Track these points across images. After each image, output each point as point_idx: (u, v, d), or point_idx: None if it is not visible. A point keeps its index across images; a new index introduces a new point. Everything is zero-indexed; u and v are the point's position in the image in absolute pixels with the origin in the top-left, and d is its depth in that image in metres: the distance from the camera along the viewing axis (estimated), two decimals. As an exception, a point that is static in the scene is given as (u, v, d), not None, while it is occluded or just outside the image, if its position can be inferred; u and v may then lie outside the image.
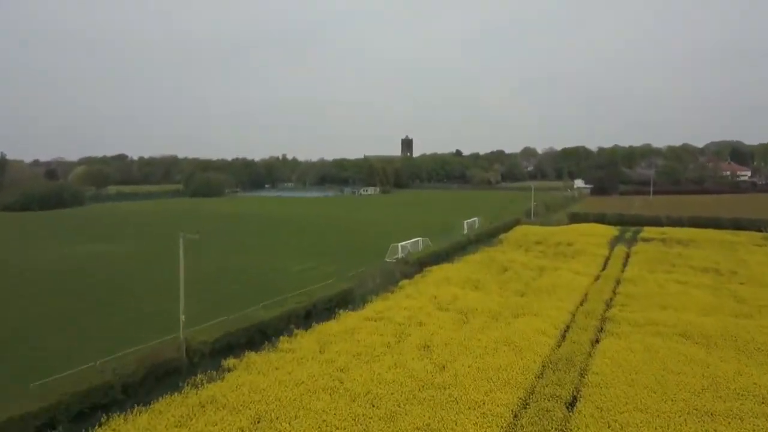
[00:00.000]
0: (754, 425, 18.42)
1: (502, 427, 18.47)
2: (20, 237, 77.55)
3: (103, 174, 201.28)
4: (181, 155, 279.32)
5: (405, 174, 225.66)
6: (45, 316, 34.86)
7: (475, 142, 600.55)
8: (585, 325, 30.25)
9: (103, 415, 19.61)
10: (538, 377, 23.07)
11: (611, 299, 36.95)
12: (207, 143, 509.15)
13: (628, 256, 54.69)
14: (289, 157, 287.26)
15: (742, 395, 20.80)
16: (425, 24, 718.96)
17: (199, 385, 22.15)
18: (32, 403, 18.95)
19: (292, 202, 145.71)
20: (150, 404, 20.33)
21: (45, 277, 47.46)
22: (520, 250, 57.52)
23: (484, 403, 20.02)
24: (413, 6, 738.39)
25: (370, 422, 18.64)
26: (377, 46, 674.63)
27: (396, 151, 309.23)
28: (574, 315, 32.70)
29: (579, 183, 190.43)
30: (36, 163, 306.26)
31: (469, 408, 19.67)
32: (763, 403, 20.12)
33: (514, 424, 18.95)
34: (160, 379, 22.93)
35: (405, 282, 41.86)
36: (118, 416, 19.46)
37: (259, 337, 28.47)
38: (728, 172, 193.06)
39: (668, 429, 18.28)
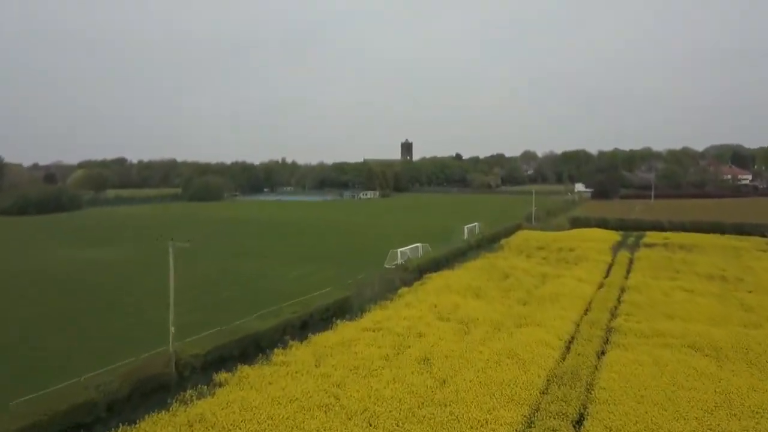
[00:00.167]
0: (772, 447, 17.48)
1: (506, 448, 17.52)
2: (14, 241, 76.56)
3: (102, 178, 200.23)
4: (180, 158, 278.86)
5: (405, 178, 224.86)
6: (33, 325, 33.87)
7: (475, 146, 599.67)
8: (590, 335, 29.31)
9: (86, 434, 18.66)
10: (543, 393, 22.10)
11: (616, 308, 36.02)
12: (207, 147, 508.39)
13: (631, 262, 53.78)
14: (289, 160, 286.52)
15: (757, 413, 19.83)
16: (425, 26, 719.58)
17: (189, 402, 21.18)
18: (11, 422, 17.98)
19: (291, 206, 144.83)
20: (135, 423, 19.34)
21: (37, 283, 46.49)
22: (522, 256, 56.58)
23: (487, 422, 19.07)
24: (413, 8, 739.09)
25: (366, 443, 17.68)
26: (377, 48, 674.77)
27: (396, 154, 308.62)
28: (578, 325, 31.77)
29: (579, 187, 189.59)
30: (35, 166, 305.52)
31: (471, 428, 18.71)
32: (780, 422, 19.17)
33: (519, 445, 18.00)
34: (147, 396, 21.94)
35: (404, 290, 40.91)
36: (102, 436, 18.52)
37: (253, 348, 27.49)
38: (729, 176, 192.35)
39: (682, 451, 17.33)
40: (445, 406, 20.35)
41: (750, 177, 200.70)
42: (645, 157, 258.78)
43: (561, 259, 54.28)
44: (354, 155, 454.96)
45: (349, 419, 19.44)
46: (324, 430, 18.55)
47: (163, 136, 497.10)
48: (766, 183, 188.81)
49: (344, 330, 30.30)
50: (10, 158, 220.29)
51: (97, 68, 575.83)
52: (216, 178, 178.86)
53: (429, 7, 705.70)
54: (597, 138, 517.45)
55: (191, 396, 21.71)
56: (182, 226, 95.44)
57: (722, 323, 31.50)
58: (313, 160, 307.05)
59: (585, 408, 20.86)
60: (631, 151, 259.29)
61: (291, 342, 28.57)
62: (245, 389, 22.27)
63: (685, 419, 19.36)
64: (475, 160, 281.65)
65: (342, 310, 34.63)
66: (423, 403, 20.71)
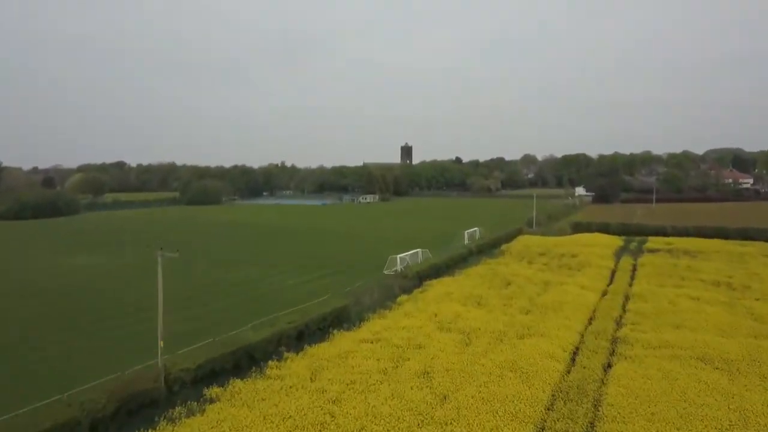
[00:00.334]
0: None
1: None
2: (4, 247, 75.45)
3: (100, 182, 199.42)
4: (180, 162, 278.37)
5: (404, 181, 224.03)
6: (17, 337, 32.85)
7: (474, 149, 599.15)
8: (595, 347, 28.35)
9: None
10: (549, 409, 21.12)
11: (621, 317, 35.05)
12: (207, 150, 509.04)
13: (634, 268, 52.81)
14: (289, 164, 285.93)
15: (775, 432, 18.85)
16: (425, 31, 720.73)
17: (177, 420, 20.21)
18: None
19: (290, 210, 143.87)
20: (120, 443, 18.39)
21: (24, 292, 45.43)
22: (523, 262, 55.59)
23: (490, 443, 18.09)
24: (413, 14, 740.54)
25: (363, 467, 16.69)
26: (377, 52, 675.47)
27: (396, 158, 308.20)
28: (582, 335, 30.78)
29: (580, 191, 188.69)
30: (35, 170, 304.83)
31: (474, 449, 17.72)
32: (799, 442, 18.19)
33: (524, 468, 17.00)
34: (134, 413, 20.95)
35: (404, 297, 39.94)
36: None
37: (247, 361, 26.52)
38: (730, 180, 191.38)
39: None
40: (446, 424, 19.38)
41: (751, 181, 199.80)
42: (645, 160, 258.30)
43: (563, 266, 53.29)
44: (354, 159, 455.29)
45: (345, 439, 18.47)
46: (318, 451, 17.58)
47: (163, 139, 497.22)
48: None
49: (341, 341, 29.31)
50: (9, 162, 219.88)
51: (97, 72, 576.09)
52: (214, 182, 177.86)
53: (429, 13, 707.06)
54: (597, 141, 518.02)
55: (180, 413, 20.75)
56: (178, 231, 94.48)
57: (731, 333, 30.52)
58: (313, 164, 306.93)
59: (593, 426, 19.90)
60: (631, 154, 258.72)
61: (286, 354, 27.62)
62: (237, 406, 21.28)
63: (699, 439, 18.38)
64: (475, 164, 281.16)
65: (339, 320, 33.65)
66: (423, 422, 19.74)
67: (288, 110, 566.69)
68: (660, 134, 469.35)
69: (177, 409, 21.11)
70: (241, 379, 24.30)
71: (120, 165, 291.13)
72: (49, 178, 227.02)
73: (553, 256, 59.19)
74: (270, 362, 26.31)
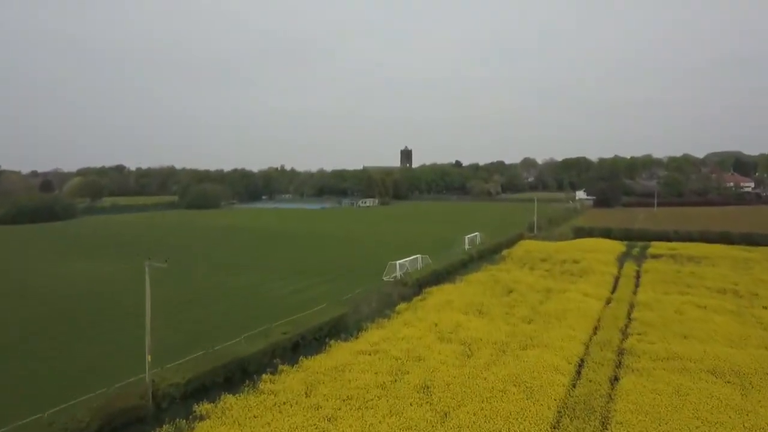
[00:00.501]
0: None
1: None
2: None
3: (98, 185, 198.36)
4: (180, 166, 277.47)
5: (404, 185, 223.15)
6: (6, 346, 31.86)
7: (474, 153, 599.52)
8: (601, 358, 27.38)
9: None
10: (554, 428, 20.18)
11: (626, 326, 34.08)
12: (207, 154, 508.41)
13: (638, 275, 51.85)
14: (288, 167, 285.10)
15: (794, 454, 17.87)
16: (425, 34, 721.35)
17: (164, 440, 19.22)
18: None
19: (289, 214, 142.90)
20: (103, 466, 17.39)
21: (9, 300, 44.40)
22: (525, 268, 54.60)
23: (493, 466, 17.09)
24: (413, 16, 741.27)
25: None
26: (376, 56, 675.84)
27: (395, 161, 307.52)
28: (587, 346, 29.81)
29: (581, 194, 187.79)
30: (34, 174, 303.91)
31: (477, 473, 16.73)
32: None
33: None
34: (119, 432, 19.97)
35: (403, 306, 38.95)
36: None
37: (240, 374, 25.52)
38: (731, 184, 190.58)
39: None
40: (447, 445, 18.39)
41: (752, 184, 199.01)
42: (646, 164, 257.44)
43: (565, 272, 52.30)
44: (353, 162, 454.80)
45: (340, 462, 17.48)
46: (312, 475, 16.58)
47: (163, 143, 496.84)
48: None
49: (338, 352, 28.32)
50: (8, 165, 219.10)
51: (97, 74, 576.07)
52: (213, 186, 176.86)
53: (429, 16, 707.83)
54: (597, 145, 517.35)
55: (168, 432, 19.76)
56: (175, 235, 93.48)
57: (741, 344, 29.55)
58: (313, 167, 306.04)
59: (601, 447, 18.91)
60: (632, 158, 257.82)
61: (281, 366, 26.63)
62: (227, 424, 20.30)
63: (714, 462, 17.39)
64: (474, 167, 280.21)
65: (337, 329, 32.67)
66: (422, 442, 18.75)
67: (288, 113, 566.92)
68: (660, 137, 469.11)
69: (165, 427, 20.14)
70: (233, 394, 23.31)
71: (119, 168, 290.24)
72: (48, 181, 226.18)
73: (555, 262, 58.24)
74: (264, 376, 25.33)
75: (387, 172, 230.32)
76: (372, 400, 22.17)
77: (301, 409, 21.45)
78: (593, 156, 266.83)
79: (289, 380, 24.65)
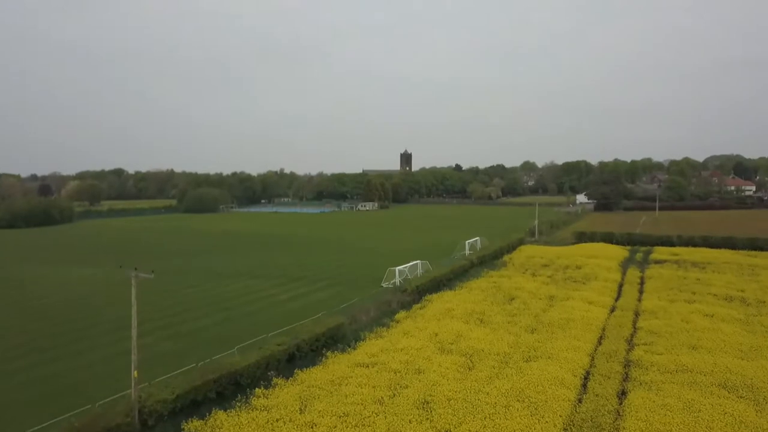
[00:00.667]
0: None
1: None
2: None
3: (96, 189, 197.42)
4: (180, 169, 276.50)
5: (404, 189, 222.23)
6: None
7: (474, 156, 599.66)
8: (607, 371, 26.36)
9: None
10: (561, 448, 19.13)
11: (632, 336, 33.08)
12: (206, 158, 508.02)
13: (642, 281, 50.89)
14: (287, 171, 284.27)
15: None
16: (425, 38, 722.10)
17: (149, 461, 18.20)
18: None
19: (287, 219, 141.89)
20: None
21: (1, 308, 43.38)
22: (527, 274, 53.58)
23: (497, 491, 16.07)
24: (413, 21, 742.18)
25: None
26: (376, 61, 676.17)
27: (395, 165, 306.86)
28: (593, 358, 28.82)
29: (581, 198, 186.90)
30: (33, 177, 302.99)
31: (480, 499, 15.71)
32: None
33: None
34: (101, 453, 18.93)
35: (402, 314, 37.90)
36: None
37: (232, 389, 24.51)
38: (733, 187, 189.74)
39: None
40: (448, 468, 17.37)
41: (754, 188, 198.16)
42: (646, 167, 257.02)
43: (568, 278, 51.30)
44: (353, 166, 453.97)
45: (335, 486, 16.45)
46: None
47: (163, 147, 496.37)
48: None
49: (335, 365, 27.28)
50: (7, 169, 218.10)
51: (97, 78, 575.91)
52: (211, 190, 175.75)
53: (430, 21, 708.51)
54: (597, 148, 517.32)
55: (153, 453, 18.75)
56: (170, 241, 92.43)
57: (752, 356, 28.56)
58: (313, 171, 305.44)
59: (611, 469, 17.89)
60: (632, 161, 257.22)
61: (275, 379, 25.59)
62: (216, 443, 19.28)
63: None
64: (474, 171, 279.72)
65: (334, 340, 31.66)
66: (422, 464, 17.73)
67: (287, 117, 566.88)
68: (660, 141, 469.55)
69: (150, 447, 19.14)
70: (225, 410, 22.29)
71: (118, 172, 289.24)
72: (46, 185, 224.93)
73: (557, 267, 57.26)
74: (257, 390, 24.28)
75: (386, 175, 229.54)
76: (369, 417, 21.15)
77: (295, 426, 20.43)
78: (593, 159, 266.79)
79: (283, 395, 23.62)
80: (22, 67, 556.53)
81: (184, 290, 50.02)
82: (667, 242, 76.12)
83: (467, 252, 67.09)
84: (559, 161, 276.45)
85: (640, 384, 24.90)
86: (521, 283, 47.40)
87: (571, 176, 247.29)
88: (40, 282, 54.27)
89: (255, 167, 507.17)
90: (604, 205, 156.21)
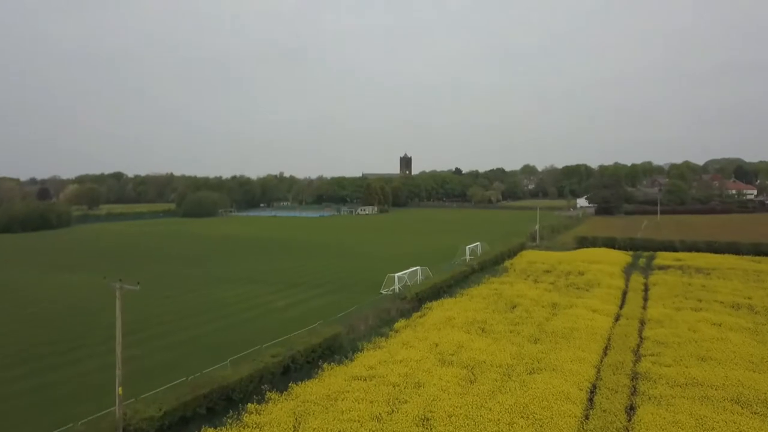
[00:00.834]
0: None
1: None
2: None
3: (95, 193, 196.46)
4: (179, 173, 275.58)
5: (404, 193, 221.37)
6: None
7: (474, 160, 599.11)
8: (614, 384, 25.36)
9: None
10: (569, 469, 18.11)
11: (638, 346, 32.08)
12: (206, 161, 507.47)
13: (646, 288, 49.91)
14: (287, 174, 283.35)
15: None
16: (425, 42, 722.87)
17: (133, 485, 17.19)
18: None
19: (286, 223, 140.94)
20: None
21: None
22: (528, 281, 52.58)
23: None
24: (413, 25, 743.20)
25: None
26: (376, 64, 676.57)
27: (395, 168, 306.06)
28: (599, 370, 27.79)
29: (582, 202, 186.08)
30: (33, 181, 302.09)
31: None
32: None
33: None
34: (82, 476, 17.94)
35: (401, 323, 36.87)
36: None
37: (223, 404, 23.49)
38: (734, 191, 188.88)
39: None
40: (450, 493, 16.35)
41: (755, 192, 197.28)
42: (647, 171, 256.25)
43: (570, 285, 50.30)
44: (353, 169, 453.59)
45: None
46: None
47: (163, 150, 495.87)
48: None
49: (331, 378, 26.27)
50: (7, 172, 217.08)
51: (96, 82, 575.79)
52: (210, 194, 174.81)
53: (430, 24, 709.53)
54: (597, 152, 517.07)
55: (138, 475, 17.73)
56: (166, 246, 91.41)
57: (764, 368, 27.55)
58: (312, 174, 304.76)
59: (622, 493, 16.88)
60: (633, 165, 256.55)
61: (269, 393, 24.56)
62: (205, 465, 18.27)
63: None
64: (474, 175, 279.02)
65: (330, 350, 30.65)
66: (422, 488, 16.71)
67: (287, 120, 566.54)
68: (659, 144, 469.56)
69: (135, 468, 18.13)
70: (215, 427, 21.31)
71: (118, 176, 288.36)
72: (44, 189, 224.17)
73: (559, 273, 56.27)
74: (249, 405, 23.25)
75: (386, 179, 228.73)
76: (366, 435, 20.14)
77: (287, 446, 19.43)
78: (593, 163, 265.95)
79: (276, 411, 22.59)
80: (22, 69, 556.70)
81: (182, 296, 49.11)
82: (670, 247, 75.13)
83: (468, 257, 66.16)
84: (559, 165, 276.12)
85: (649, 398, 23.90)
86: (523, 290, 46.41)
87: (572, 180, 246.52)
88: (34, 287, 53.23)
89: (255, 171, 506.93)
90: (605, 209, 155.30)
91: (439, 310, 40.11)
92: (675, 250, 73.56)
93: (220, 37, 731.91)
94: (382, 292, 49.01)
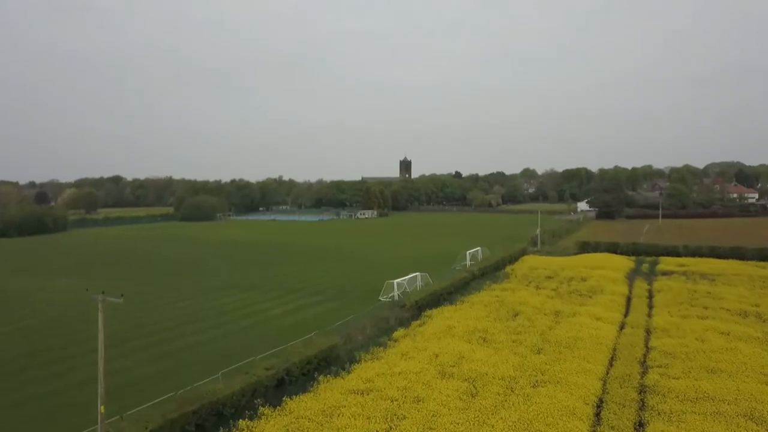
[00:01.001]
0: None
1: None
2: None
3: (93, 197, 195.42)
4: (179, 176, 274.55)
5: (403, 196, 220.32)
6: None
7: (474, 163, 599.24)
8: (622, 398, 24.36)
9: None
10: (577, 494, 17.09)
11: (645, 357, 31.03)
12: (205, 165, 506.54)
13: (650, 294, 48.91)
14: (286, 178, 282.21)
15: None
16: (424, 45, 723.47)
17: None
18: None
19: (285, 227, 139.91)
20: None
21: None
22: (530, 287, 51.55)
23: None
24: (412, 28, 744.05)
25: None
26: (376, 66, 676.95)
27: (395, 172, 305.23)
28: (605, 382, 26.77)
29: (582, 206, 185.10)
30: (32, 185, 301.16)
31: None
32: None
33: None
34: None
35: (401, 332, 35.83)
36: None
37: (214, 420, 22.47)
38: (735, 195, 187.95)
39: None
40: None
41: (756, 196, 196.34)
42: (647, 174, 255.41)
43: (573, 291, 49.27)
44: (352, 173, 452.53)
45: None
46: None
47: (163, 154, 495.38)
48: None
49: (327, 392, 25.22)
50: (6, 176, 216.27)
51: (97, 86, 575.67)
52: (208, 198, 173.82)
53: (429, 28, 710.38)
54: (597, 155, 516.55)
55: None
56: (162, 251, 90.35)
57: (776, 380, 26.50)
58: (312, 178, 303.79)
59: None
60: (633, 169, 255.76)
61: (261, 408, 23.51)
62: (191, 489, 17.23)
63: None
64: (474, 178, 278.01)
65: (327, 362, 29.61)
66: None
67: (287, 124, 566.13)
68: (659, 148, 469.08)
69: (117, 493, 17.09)
70: (204, 446, 20.29)
71: (116, 179, 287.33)
72: (42, 193, 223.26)
73: (561, 280, 55.26)
74: (241, 421, 22.20)
75: (386, 183, 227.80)
76: (363, 455, 19.12)
77: (279, 467, 18.40)
78: (593, 166, 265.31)
79: (269, 428, 21.57)
80: (22, 73, 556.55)
81: (179, 303, 48.19)
82: (673, 252, 74.13)
83: (468, 263, 65.16)
84: (559, 168, 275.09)
85: (659, 414, 22.88)
86: (525, 297, 45.38)
87: (572, 183, 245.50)
88: (26, 294, 52.15)
89: (254, 174, 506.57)
90: (606, 213, 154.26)
91: (439, 318, 39.09)
92: (678, 255, 72.58)
93: (218, 40, 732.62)
94: (381, 299, 48.02)
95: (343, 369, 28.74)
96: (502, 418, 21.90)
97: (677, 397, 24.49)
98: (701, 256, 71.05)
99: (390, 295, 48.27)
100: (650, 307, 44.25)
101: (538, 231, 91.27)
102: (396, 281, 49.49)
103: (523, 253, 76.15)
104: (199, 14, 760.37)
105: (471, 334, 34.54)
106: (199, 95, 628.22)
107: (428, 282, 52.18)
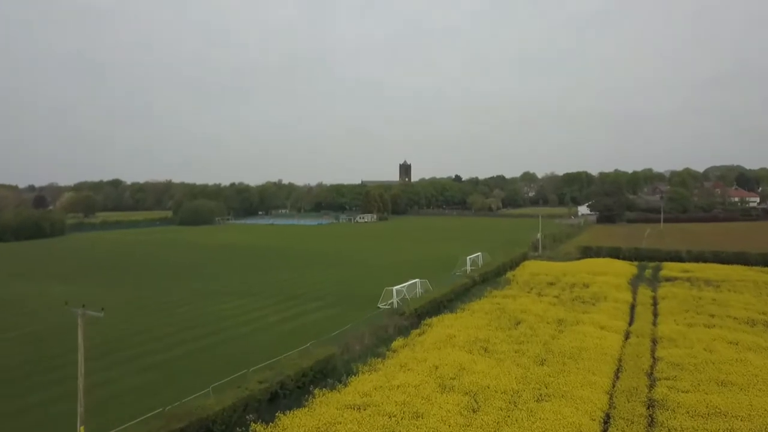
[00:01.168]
0: None
1: None
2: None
3: (91, 201, 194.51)
4: (178, 180, 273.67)
5: (403, 200, 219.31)
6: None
7: (474, 167, 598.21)
8: (630, 414, 23.31)
9: None
10: None
11: (652, 368, 30.03)
12: (205, 168, 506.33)
13: (655, 301, 47.89)
14: (285, 182, 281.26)
15: None
16: (424, 49, 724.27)
17: None
18: None
19: (284, 231, 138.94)
20: None
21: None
22: (532, 294, 50.54)
23: None
24: (411, 32, 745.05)
25: None
26: (375, 70, 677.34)
27: (394, 175, 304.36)
28: (611, 396, 25.76)
29: (583, 210, 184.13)
30: (31, 188, 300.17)
31: None
32: None
33: None
34: None
35: (399, 342, 34.83)
36: None
37: (202, 438, 21.44)
38: (737, 199, 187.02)
39: None
40: None
41: (758, 199, 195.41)
42: (648, 178, 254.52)
43: (576, 298, 48.28)
44: (352, 177, 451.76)
45: None
46: None
47: (162, 157, 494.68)
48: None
49: (322, 407, 24.20)
50: (5, 180, 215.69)
51: (97, 89, 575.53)
52: (207, 202, 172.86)
53: (429, 32, 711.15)
54: (597, 159, 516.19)
55: None
56: (159, 255, 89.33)
57: (790, 394, 25.48)
58: (312, 182, 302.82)
59: None
60: (633, 172, 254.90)
61: (253, 425, 22.50)
62: None
63: None
64: (474, 182, 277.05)
65: (323, 374, 28.60)
66: None
67: (286, 127, 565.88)
68: (659, 151, 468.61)
69: None
70: (192, 466, 19.27)
71: (115, 183, 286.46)
72: (41, 197, 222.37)
73: (563, 286, 54.26)
74: (232, 439, 21.25)
75: (385, 186, 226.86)
76: (359, 478, 18.11)
77: (270, 491, 17.39)
78: (594, 170, 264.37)
79: (260, 447, 20.58)
80: (21, 78, 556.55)
81: (176, 309, 47.28)
82: (676, 257, 73.12)
83: (468, 268, 64.17)
84: (560, 172, 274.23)
85: (669, 431, 21.88)
86: (527, 305, 44.36)
87: (572, 187, 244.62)
88: (22, 298, 51.17)
89: (254, 178, 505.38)
90: (606, 217, 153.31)
91: (439, 327, 38.07)
92: (681, 260, 71.56)
93: (217, 44, 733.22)
94: (380, 306, 47.04)
95: (340, 381, 27.71)
96: (505, 436, 20.90)
97: (687, 412, 23.48)
98: (704, 261, 70.05)
99: (389, 302, 47.30)
100: (655, 314, 43.23)
101: (539, 235, 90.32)
102: (395, 288, 48.51)
103: (524, 258, 75.17)
104: (197, 19, 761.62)
105: (472, 344, 33.53)
106: (198, 99, 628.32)
107: (428, 288, 51.22)
